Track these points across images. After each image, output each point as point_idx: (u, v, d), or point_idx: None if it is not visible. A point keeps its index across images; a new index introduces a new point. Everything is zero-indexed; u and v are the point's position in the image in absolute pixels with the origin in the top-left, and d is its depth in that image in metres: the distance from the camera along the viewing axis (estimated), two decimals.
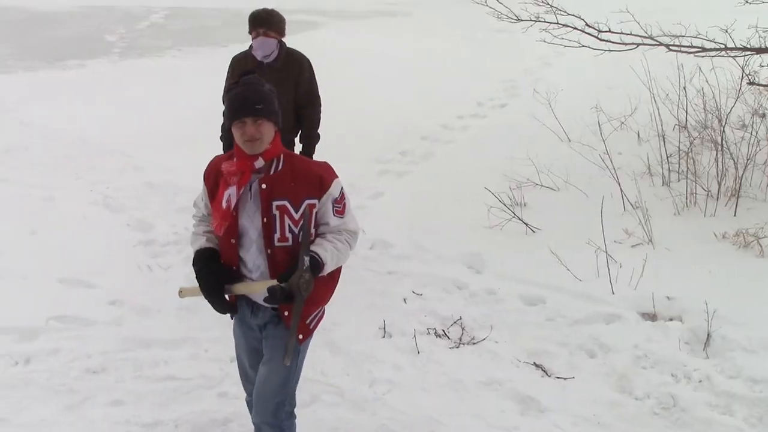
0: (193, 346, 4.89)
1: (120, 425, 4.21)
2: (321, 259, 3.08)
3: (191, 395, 4.43)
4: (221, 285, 3.17)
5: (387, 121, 9.62)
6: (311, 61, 5.66)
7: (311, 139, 5.71)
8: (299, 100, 5.58)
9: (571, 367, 4.78)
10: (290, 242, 3.10)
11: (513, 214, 6.57)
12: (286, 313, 3.18)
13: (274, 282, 3.01)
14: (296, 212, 3.10)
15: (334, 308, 5.35)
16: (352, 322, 5.30)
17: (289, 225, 3.09)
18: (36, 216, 6.84)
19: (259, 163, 3.09)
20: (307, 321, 3.30)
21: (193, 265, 3.23)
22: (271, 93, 3.13)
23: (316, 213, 3.16)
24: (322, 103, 5.72)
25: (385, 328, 5.23)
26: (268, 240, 3.10)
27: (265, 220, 3.09)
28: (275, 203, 3.08)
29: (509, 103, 10.59)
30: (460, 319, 5.30)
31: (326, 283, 3.31)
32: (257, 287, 3.13)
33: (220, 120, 5.65)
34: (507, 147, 8.23)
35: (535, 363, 4.84)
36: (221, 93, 5.64)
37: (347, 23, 16.69)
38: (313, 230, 3.15)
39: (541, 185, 7.28)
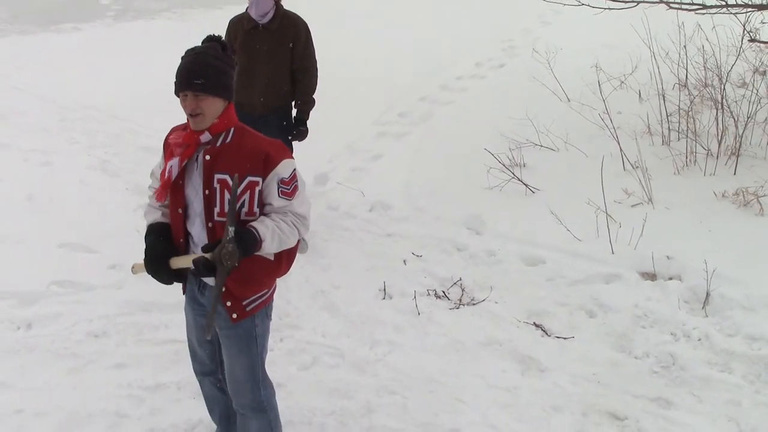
0: None
1: (122, 388, 4.24)
2: (259, 234, 2.92)
3: None
4: (166, 257, 3.05)
5: (385, 83, 9.57)
6: (308, 23, 5.59)
7: (306, 105, 5.64)
8: (295, 63, 5.51)
9: (571, 327, 4.80)
10: None
11: (512, 175, 6.55)
12: (228, 303, 3.11)
13: (200, 254, 2.91)
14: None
15: (333, 271, 5.42)
16: (351, 284, 5.32)
17: (228, 199, 2.93)
18: (34, 181, 6.84)
19: (206, 137, 2.97)
20: (245, 302, 3.15)
21: (145, 237, 3.14)
22: (224, 65, 2.98)
23: (260, 192, 3.00)
24: (318, 66, 5.65)
25: (385, 289, 5.24)
26: (208, 213, 3.00)
27: (207, 192, 2.98)
28: (217, 176, 2.95)
29: (508, 63, 10.50)
30: (460, 280, 5.31)
31: (270, 266, 3.15)
32: (187, 260, 3.02)
33: None
34: (506, 107, 8.18)
35: (535, 323, 4.86)
36: None
37: None
38: (257, 210, 3.02)
39: (541, 146, 7.24)
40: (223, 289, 3.01)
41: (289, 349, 4.56)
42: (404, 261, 5.63)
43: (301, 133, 5.65)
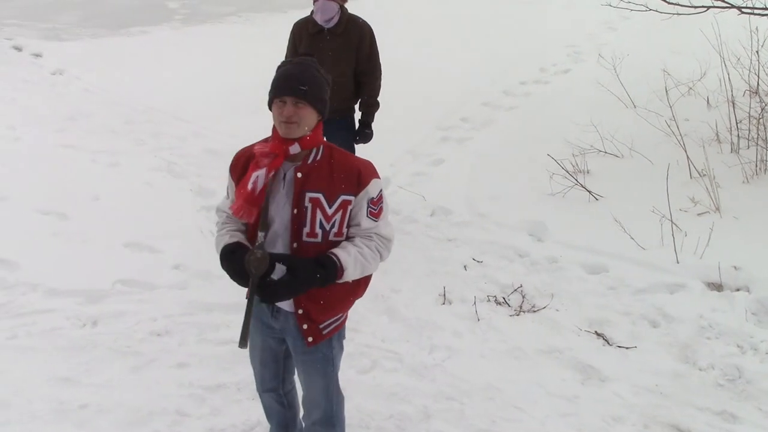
0: None
1: (184, 387, 4.30)
2: (341, 263, 2.86)
3: None
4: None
5: (448, 87, 9.56)
6: (372, 27, 5.61)
7: (371, 107, 5.68)
8: (360, 67, 5.54)
9: (634, 337, 4.73)
10: (319, 238, 2.90)
11: (576, 181, 6.48)
12: (305, 326, 3.04)
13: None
14: (330, 207, 2.89)
15: (393, 275, 5.42)
16: (411, 288, 5.32)
17: (320, 220, 2.88)
18: (100, 181, 6.98)
19: (295, 149, 2.86)
20: (321, 326, 3.07)
21: (221, 261, 2.96)
22: (323, 80, 2.92)
23: (350, 211, 2.95)
24: (382, 70, 5.67)
25: (444, 294, 5.23)
26: (295, 233, 2.90)
27: (295, 211, 2.88)
28: (309, 195, 2.86)
29: (573, 69, 10.40)
30: (521, 286, 5.27)
31: (348, 290, 3.07)
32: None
33: None
34: (570, 113, 8.11)
35: (596, 332, 4.79)
36: (282, 59, 5.68)
37: None
38: (345, 230, 2.97)
39: (605, 152, 7.15)
40: (300, 312, 3.01)
41: (349, 352, 4.56)
42: (465, 266, 5.61)
43: (366, 135, 5.68)
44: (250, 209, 2.90)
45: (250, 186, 2.87)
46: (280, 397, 3.52)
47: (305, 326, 3.05)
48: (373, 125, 5.72)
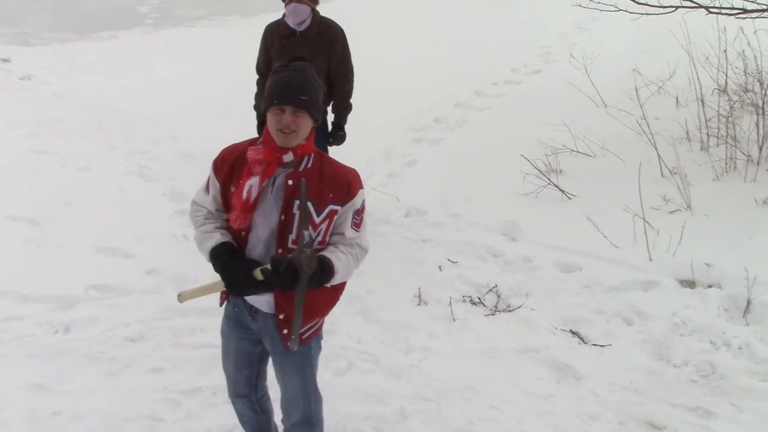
0: None
1: (159, 392, 4.27)
2: (333, 265, 2.86)
3: None
4: (248, 272, 2.90)
5: (421, 89, 9.56)
6: (344, 30, 5.60)
7: (343, 110, 5.68)
8: (332, 70, 5.52)
9: (608, 335, 4.76)
10: None
11: (549, 181, 6.51)
12: (285, 331, 3.01)
13: (267, 265, 2.83)
14: (318, 216, 2.89)
15: (368, 276, 5.41)
16: (386, 289, 5.31)
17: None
18: (72, 186, 6.90)
19: (288, 157, 2.86)
20: (302, 330, 3.00)
21: (215, 259, 2.96)
22: (319, 87, 2.90)
23: (336, 220, 2.96)
24: (354, 72, 5.67)
25: (420, 295, 5.23)
26: (281, 239, 2.89)
27: (283, 217, 2.87)
28: (297, 202, 2.83)
29: (544, 69, 10.47)
30: (496, 286, 5.28)
31: (328, 295, 3.09)
32: (257, 271, 2.88)
33: (253, 89, 5.69)
34: (542, 113, 8.14)
35: (571, 330, 4.82)
36: (254, 62, 5.65)
37: None
38: (327, 238, 2.97)
39: (577, 152, 7.20)
40: (282, 317, 3.01)
41: (325, 354, 4.51)
42: (439, 267, 5.61)
43: (339, 138, 5.68)
44: (245, 217, 2.89)
45: (244, 195, 2.86)
46: (252, 404, 3.51)
47: (285, 331, 3.03)
48: (346, 127, 5.72)
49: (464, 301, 5.17)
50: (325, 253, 2.90)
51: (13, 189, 6.76)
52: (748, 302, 4.80)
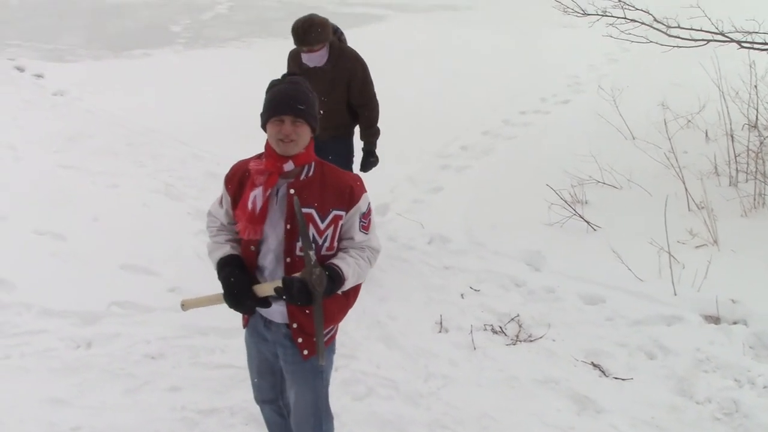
0: None
1: (176, 411, 4.28)
2: (342, 273, 2.94)
3: (247, 383, 4.42)
4: (249, 285, 2.99)
5: (448, 116, 9.59)
6: (365, 57, 5.52)
7: (371, 136, 5.68)
8: (353, 99, 5.51)
9: (630, 368, 4.70)
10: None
11: (574, 212, 6.48)
12: (300, 340, 3.08)
13: (279, 282, 2.88)
14: (322, 222, 2.97)
15: (390, 302, 5.41)
16: (408, 316, 5.30)
17: (313, 234, 2.95)
18: (99, 203, 6.98)
19: (289, 166, 2.95)
20: (315, 338, 3.03)
21: (219, 270, 3.06)
22: (314, 98, 3.01)
23: (341, 226, 3.04)
24: (378, 99, 5.62)
25: (441, 323, 5.21)
26: (288, 248, 2.97)
27: (288, 226, 2.95)
28: (301, 210, 2.90)
29: (573, 100, 10.46)
30: (518, 316, 5.25)
31: (340, 302, 3.14)
32: (269, 288, 2.94)
33: None
34: (569, 144, 8.13)
35: (593, 363, 4.77)
36: None
37: (409, 17, 16.60)
38: (335, 243, 3.05)
39: (604, 183, 7.16)
40: (295, 326, 3.06)
41: (344, 379, 4.55)
42: (462, 295, 5.60)
43: (371, 164, 5.72)
44: (254, 228, 2.98)
45: (249, 206, 2.96)
46: (279, 409, 3.56)
47: (300, 339, 3.10)
48: (377, 151, 5.73)
49: (485, 329, 5.15)
50: (333, 260, 2.99)
51: (41, 203, 6.85)
52: None
